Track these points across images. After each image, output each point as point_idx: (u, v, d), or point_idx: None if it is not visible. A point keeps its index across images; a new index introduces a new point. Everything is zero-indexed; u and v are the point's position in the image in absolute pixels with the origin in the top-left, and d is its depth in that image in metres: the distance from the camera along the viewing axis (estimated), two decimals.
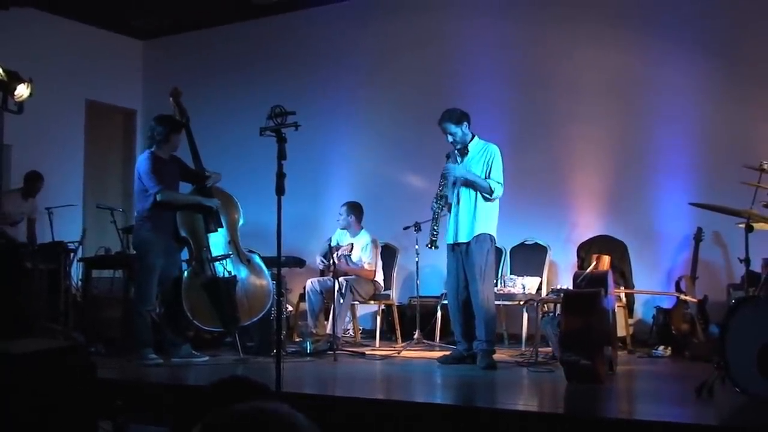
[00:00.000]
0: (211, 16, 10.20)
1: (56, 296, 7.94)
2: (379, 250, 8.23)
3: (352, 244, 8.04)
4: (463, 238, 6.35)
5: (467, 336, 6.41)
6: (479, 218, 6.37)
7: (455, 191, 6.41)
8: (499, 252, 7.89)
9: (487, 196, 6.36)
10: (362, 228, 8.20)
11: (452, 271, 6.47)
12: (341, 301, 7.53)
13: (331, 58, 9.80)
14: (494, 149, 6.45)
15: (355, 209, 8.21)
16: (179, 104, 6.83)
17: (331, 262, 7.60)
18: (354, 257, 8.02)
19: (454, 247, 6.42)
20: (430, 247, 6.44)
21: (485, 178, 6.35)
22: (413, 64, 9.29)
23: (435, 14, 9.22)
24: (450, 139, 6.43)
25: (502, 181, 6.38)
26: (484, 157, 6.41)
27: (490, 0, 8.92)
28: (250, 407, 1.77)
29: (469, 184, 6.36)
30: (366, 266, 7.99)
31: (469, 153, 6.44)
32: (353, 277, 7.86)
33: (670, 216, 7.85)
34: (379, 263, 8.19)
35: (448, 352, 6.65)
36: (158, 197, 6.45)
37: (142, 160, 6.62)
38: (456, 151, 6.49)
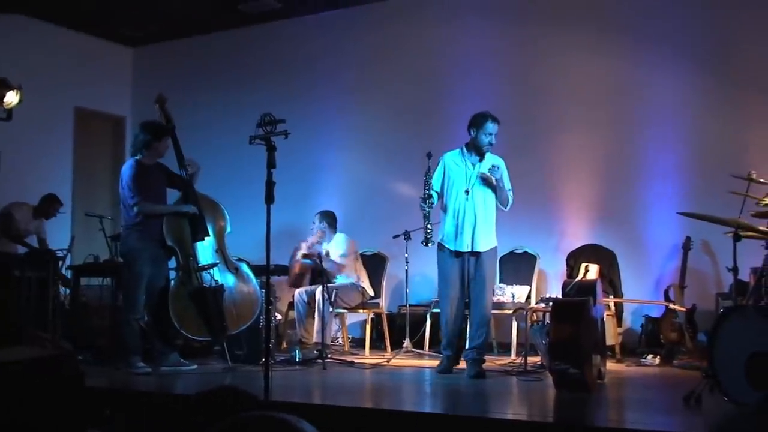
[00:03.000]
0: (200, 23, 10.20)
1: (44, 304, 7.90)
2: (356, 248, 8.19)
3: (328, 251, 8.00)
4: (480, 248, 6.28)
5: (457, 344, 6.42)
6: (493, 230, 6.39)
7: (467, 198, 6.32)
8: None
9: (502, 206, 6.42)
10: (336, 232, 8.23)
11: (455, 279, 6.33)
12: (330, 309, 7.52)
13: (321, 66, 9.81)
14: (503, 162, 6.47)
15: (327, 216, 8.21)
16: (165, 111, 6.80)
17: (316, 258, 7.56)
18: (333, 257, 8.00)
19: (458, 254, 6.31)
20: (427, 245, 6.30)
21: None
22: (402, 72, 9.31)
23: (423, 22, 9.25)
24: (491, 140, 6.29)
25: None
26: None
27: (480, 8, 8.94)
28: (257, 414, 1.79)
29: (494, 187, 6.31)
30: (338, 260, 7.95)
31: (484, 160, 6.39)
32: (338, 285, 7.84)
33: (658, 225, 7.87)
34: (362, 270, 8.17)
35: (438, 361, 6.63)
36: (136, 209, 6.44)
37: (125, 169, 6.58)
38: (470, 154, 6.39)
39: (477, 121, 6.33)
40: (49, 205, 8.98)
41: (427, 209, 6.24)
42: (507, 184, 6.43)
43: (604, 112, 8.32)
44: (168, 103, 6.86)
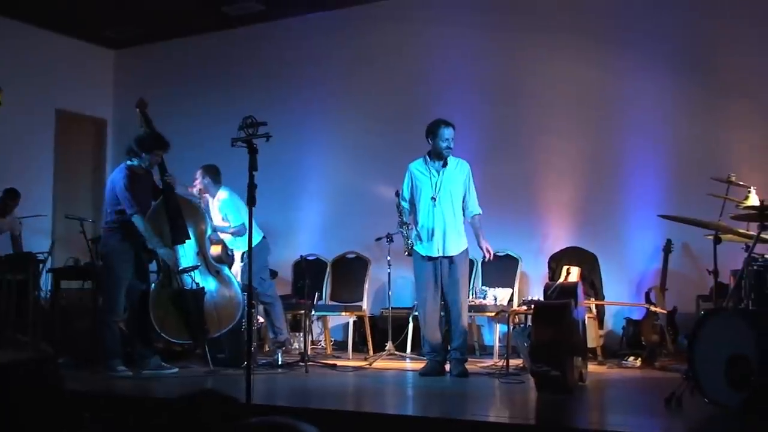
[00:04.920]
0: (183, 25, 10.16)
1: (24, 307, 7.84)
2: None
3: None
4: (451, 252, 6.46)
5: (444, 347, 6.51)
6: (463, 233, 6.57)
7: (434, 204, 6.47)
8: (471, 263, 7.92)
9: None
10: (221, 187, 7.57)
11: (429, 283, 6.50)
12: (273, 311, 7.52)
13: (303, 69, 9.79)
14: (468, 166, 6.65)
15: (210, 171, 7.50)
16: (145, 115, 6.79)
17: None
18: (216, 221, 7.38)
19: (431, 259, 6.49)
20: (410, 255, 6.59)
21: (465, 192, 6.58)
22: (385, 75, 9.31)
23: (407, 26, 9.24)
24: (449, 144, 6.49)
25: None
26: (462, 173, 6.60)
27: (463, 12, 8.95)
28: (257, 421, 1.79)
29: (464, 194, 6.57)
30: (219, 223, 7.38)
31: (448, 166, 6.55)
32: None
33: (640, 228, 7.91)
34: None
35: (421, 364, 6.68)
36: (132, 218, 6.42)
37: (118, 177, 6.56)
38: (433, 162, 6.56)
39: (432, 129, 6.55)
40: (6, 198, 8.76)
41: (405, 232, 6.55)
42: (471, 189, 6.65)
43: (586, 117, 8.35)
44: (149, 107, 6.84)
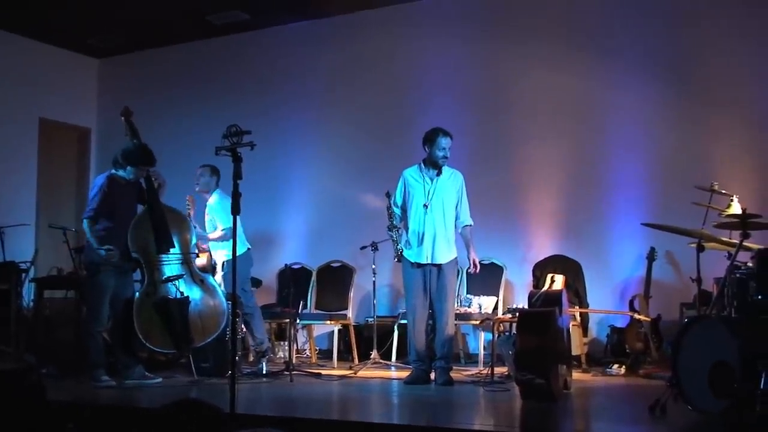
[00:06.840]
0: (167, 34, 10.15)
1: (7, 317, 7.78)
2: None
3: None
4: (440, 260, 6.48)
5: (429, 355, 6.53)
6: (453, 243, 6.59)
7: (426, 211, 6.49)
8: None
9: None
10: (216, 189, 7.56)
11: (419, 291, 6.52)
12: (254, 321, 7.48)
13: (288, 78, 9.79)
14: (462, 177, 6.68)
15: (216, 172, 7.51)
16: (131, 124, 6.76)
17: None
18: (207, 224, 7.48)
19: (420, 266, 6.51)
20: (399, 261, 6.63)
21: (457, 203, 6.59)
22: (369, 85, 9.31)
23: (392, 36, 9.26)
24: (445, 154, 6.51)
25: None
26: (455, 183, 6.63)
27: (447, 22, 8.98)
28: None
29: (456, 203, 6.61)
30: (218, 231, 7.39)
31: (442, 175, 6.59)
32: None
33: (623, 236, 7.93)
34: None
35: (406, 372, 6.68)
36: (83, 222, 6.46)
37: (97, 182, 6.58)
38: (428, 170, 6.58)
39: (430, 137, 6.56)
40: None
41: (395, 236, 6.59)
42: (464, 200, 6.67)
43: (570, 126, 8.38)
44: (134, 116, 6.82)
